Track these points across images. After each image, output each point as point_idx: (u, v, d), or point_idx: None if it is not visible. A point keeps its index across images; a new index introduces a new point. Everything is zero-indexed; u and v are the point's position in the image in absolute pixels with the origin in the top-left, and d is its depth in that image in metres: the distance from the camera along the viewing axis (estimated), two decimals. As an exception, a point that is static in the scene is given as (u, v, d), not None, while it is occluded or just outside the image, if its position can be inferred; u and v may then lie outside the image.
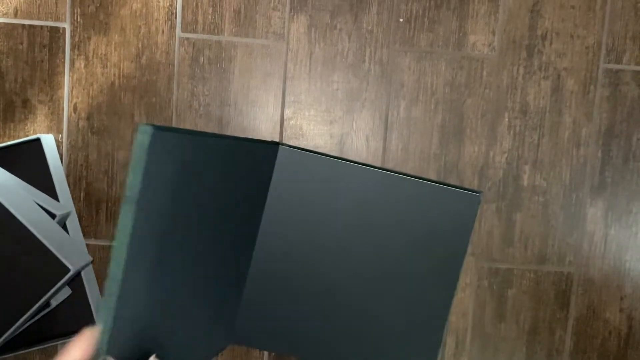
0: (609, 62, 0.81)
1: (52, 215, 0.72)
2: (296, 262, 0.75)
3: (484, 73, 0.81)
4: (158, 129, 0.54)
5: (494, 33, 0.80)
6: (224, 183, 0.67)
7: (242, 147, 0.68)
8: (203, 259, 0.68)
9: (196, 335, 0.71)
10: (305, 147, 0.75)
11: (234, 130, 0.81)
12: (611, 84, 0.81)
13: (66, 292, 0.76)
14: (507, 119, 0.82)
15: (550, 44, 0.81)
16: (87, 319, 0.78)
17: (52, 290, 0.66)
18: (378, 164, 0.82)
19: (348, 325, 0.77)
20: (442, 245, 0.75)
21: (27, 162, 0.77)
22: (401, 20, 0.80)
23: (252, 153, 0.69)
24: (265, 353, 0.85)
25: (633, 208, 0.83)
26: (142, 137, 0.50)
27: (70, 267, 0.66)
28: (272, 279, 0.75)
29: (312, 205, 0.74)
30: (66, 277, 0.66)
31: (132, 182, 0.49)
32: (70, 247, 0.69)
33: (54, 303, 0.74)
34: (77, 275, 0.77)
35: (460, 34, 0.80)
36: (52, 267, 0.66)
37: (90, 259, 0.72)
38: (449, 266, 0.75)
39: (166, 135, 0.56)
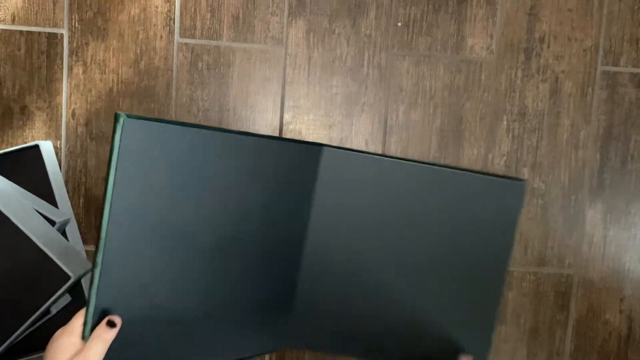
0: (606, 65, 0.81)
1: (52, 222, 0.71)
2: (347, 262, 0.76)
3: (483, 76, 0.81)
4: (132, 117, 0.56)
5: (491, 36, 0.81)
6: (244, 181, 0.68)
7: (270, 146, 0.68)
8: (227, 260, 0.68)
9: (233, 337, 0.71)
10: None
11: (233, 135, 0.81)
12: (609, 87, 0.82)
13: (66, 299, 0.76)
14: (505, 122, 0.82)
15: (548, 46, 0.81)
16: (87, 326, 0.77)
17: (53, 298, 0.66)
18: (377, 168, 0.82)
19: (401, 322, 0.77)
20: (491, 234, 0.75)
21: (25, 169, 0.77)
22: (399, 24, 0.80)
23: (286, 153, 0.70)
24: (267, 357, 0.85)
25: (632, 209, 0.83)
26: (116, 125, 0.56)
27: (71, 274, 0.65)
28: (324, 281, 0.76)
29: (359, 203, 0.75)
30: (67, 285, 0.65)
31: (108, 171, 0.55)
32: (70, 254, 0.69)
33: (54, 310, 0.74)
34: (77, 282, 0.77)
35: (459, 38, 0.81)
36: (53, 274, 0.66)
37: (91, 266, 0.72)
38: (498, 256, 0.76)
39: (145, 124, 0.58)
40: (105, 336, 0.51)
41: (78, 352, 0.49)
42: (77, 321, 0.51)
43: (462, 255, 0.76)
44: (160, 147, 0.60)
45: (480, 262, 0.76)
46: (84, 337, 0.51)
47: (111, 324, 0.52)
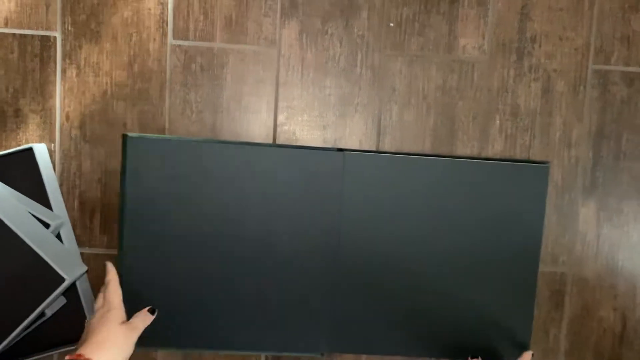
0: (597, 63, 0.82)
1: (46, 225, 0.71)
2: (382, 262, 0.78)
3: (475, 76, 0.82)
4: (137, 136, 0.74)
5: (483, 36, 0.81)
6: (265, 191, 0.75)
7: (289, 155, 0.75)
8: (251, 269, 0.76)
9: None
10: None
11: (227, 137, 0.81)
12: (600, 85, 0.82)
13: (61, 301, 0.76)
14: (498, 121, 0.82)
15: (540, 46, 0.81)
16: (81, 328, 0.77)
17: (48, 301, 0.66)
18: (371, 168, 0.82)
19: (441, 316, 0.79)
20: (520, 218, 0.77)
21: (19, 171, 0.77)
22: (391, 24, 0.81)
23: (305, 161, 0.74)
24: (263, 355, 0.85)
25: (624, 207, 0.84)
26: (123, 146, 0.71)
27: (65, 277, 0.66)
28: (360, 282, 0.78)
29: (387, 204, 0.77)
30: (61, 287, 0.65)
31: (120, 189, 0.71)
32: (65, 257, 0.69)
33: (48, 312, 0.74)
34: (72, 284, 0.77)
35: (451, 38, 0.81)
36: (48, 277, 0.66)
37: (86, 268, 0.72)
38: (530, 238, 0.78)
39: (150, 141, 0.74)
40: (145, 319, 0.66)
41: (123, 322, 0.64)
42: (114, 298, 0.65)
43: (495, 244, 0.78)
44: (165, 159, 0.72)
45: (514, 248, 0.78)
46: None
47: (152, 312, 0.68)
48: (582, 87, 0.82)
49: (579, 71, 0.82)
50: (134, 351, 0.64)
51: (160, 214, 0.74)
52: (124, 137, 0.73)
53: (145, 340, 0.72)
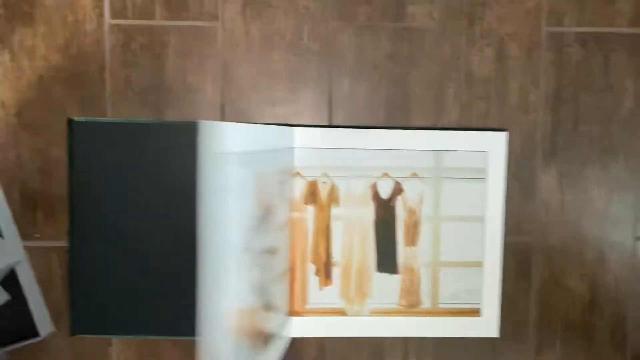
0: (550, 25, 0.80)
1: (-22, 215, 0.68)
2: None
3: (426, 44, 0.79)
4: (81, 120, 0.73)
5: (432, 2, 0.79)
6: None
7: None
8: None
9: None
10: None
11: (172, 117, 0.78)
12: (554, 48, 0.80)
13: (2, 297, 0.72)
14: (452, 90, 0.80)
15: (491, 9, 0.79)
16: (27, 325, 0.74)
17: (-24, 292, 0.62)
18: (324, 143, 0.79)
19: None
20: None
21: (-48, 162, 0.73)
22: (337, -6, 0.78)
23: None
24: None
25: (586, 172, 0.82)
26: (69, 131, 0.73)
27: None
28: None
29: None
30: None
31: (68, 176, 0.74)
32: (-4, 246, 0.65)
33: (-12, 309, 0.70)
34: (14, 278, 0.73)
35: (399, 5, 0.79)
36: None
37: (20, 257, 0.68)
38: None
39: (94, 125, 0.74)
40: None
41: None
42: None
43: None
44: (113, 142, 0.73)
45: None
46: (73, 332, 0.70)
47: None
48: (536, 51, 0.80)
49: (532, 34, 0.80)
50: (89, 338, 0.65)
51: (109, 199, 0.73)
52: (70, 122, 0.72)
53: (100, 328, 0.72)
